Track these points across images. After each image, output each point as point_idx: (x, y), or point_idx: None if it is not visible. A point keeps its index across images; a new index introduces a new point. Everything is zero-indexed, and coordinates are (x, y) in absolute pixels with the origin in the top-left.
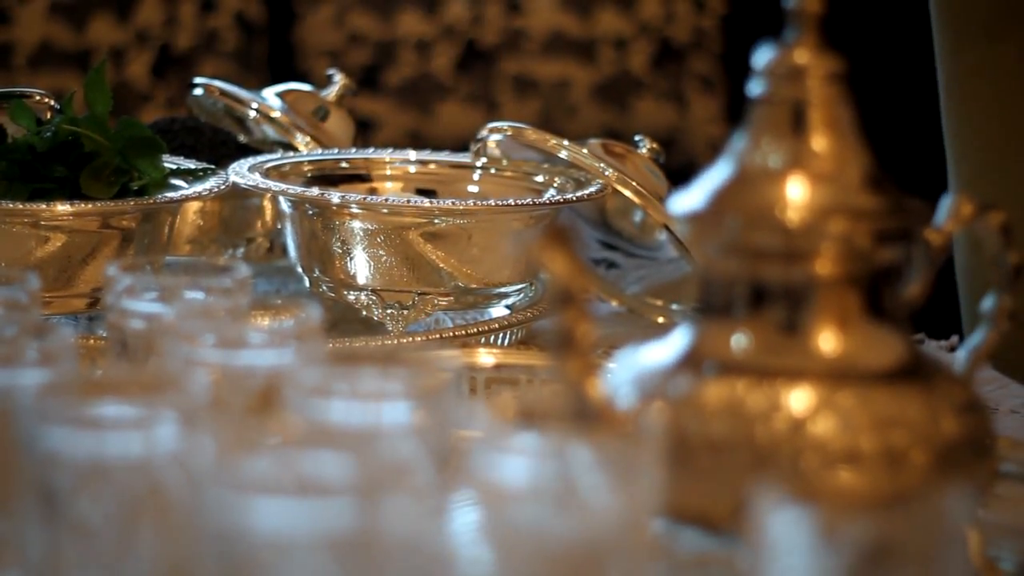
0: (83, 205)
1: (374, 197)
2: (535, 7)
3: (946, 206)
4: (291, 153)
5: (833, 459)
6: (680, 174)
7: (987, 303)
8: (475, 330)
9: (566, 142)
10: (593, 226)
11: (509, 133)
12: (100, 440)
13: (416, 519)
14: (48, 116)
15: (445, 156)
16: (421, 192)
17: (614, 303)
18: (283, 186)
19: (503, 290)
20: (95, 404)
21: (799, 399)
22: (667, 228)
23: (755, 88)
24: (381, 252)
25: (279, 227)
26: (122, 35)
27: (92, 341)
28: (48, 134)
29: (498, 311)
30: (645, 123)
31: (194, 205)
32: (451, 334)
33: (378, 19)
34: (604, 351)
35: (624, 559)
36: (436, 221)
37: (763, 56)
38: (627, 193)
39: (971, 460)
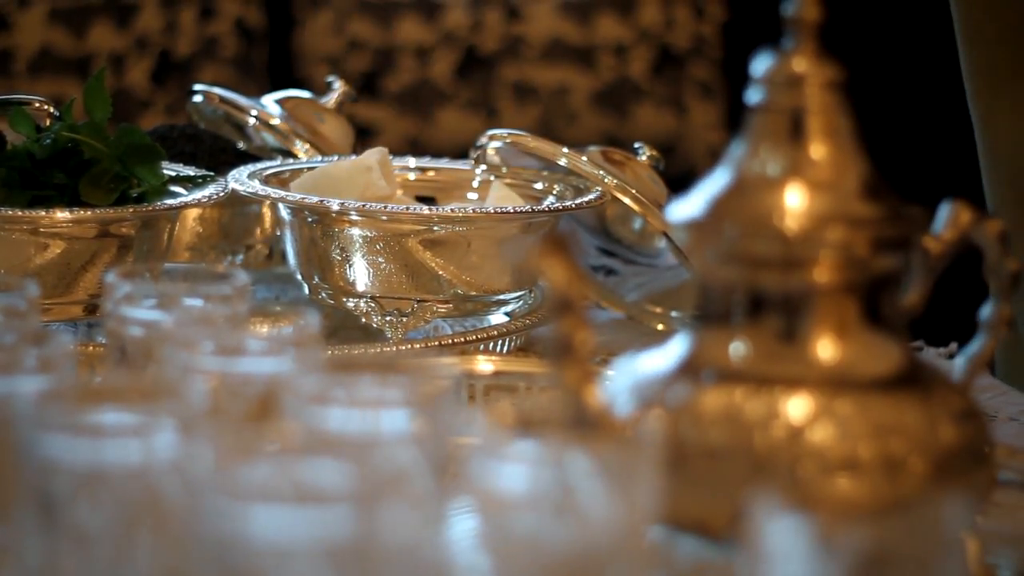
0: (82, 212)
1: (373, 204)
2: (535, 14)
3: (944, 214)
4: (290, 160)
5: (831, 467)
6: (680, 181)
7: (985, 311)
8: (474, 337)
9: (565, 149)
10: (593, 233)
11: (509, 140)
12: (99, 447)
13: (414, 527)
14: (47, 123)
15: (444, 163)
16: (420, 199)
17: (613, 310)
18: (282, 193)
19: (502, 297)
20: (94, 411)
21: (797, 407)
22: (666, 235)
23: (754, 96)
24: (380, 259)
25: (278, 234)
26: (122, 42)
27: (91, 348)
28: (47, 141)
29: (497, 318)
30: (644, 130)
31: (193, 212)
32: (450, 341)
33: (378, 25)
34: (603, 358)
35: (622, 567)
36: (435, 228)
37: (761, 64)
38: (626, 200)
39: (969, 468)
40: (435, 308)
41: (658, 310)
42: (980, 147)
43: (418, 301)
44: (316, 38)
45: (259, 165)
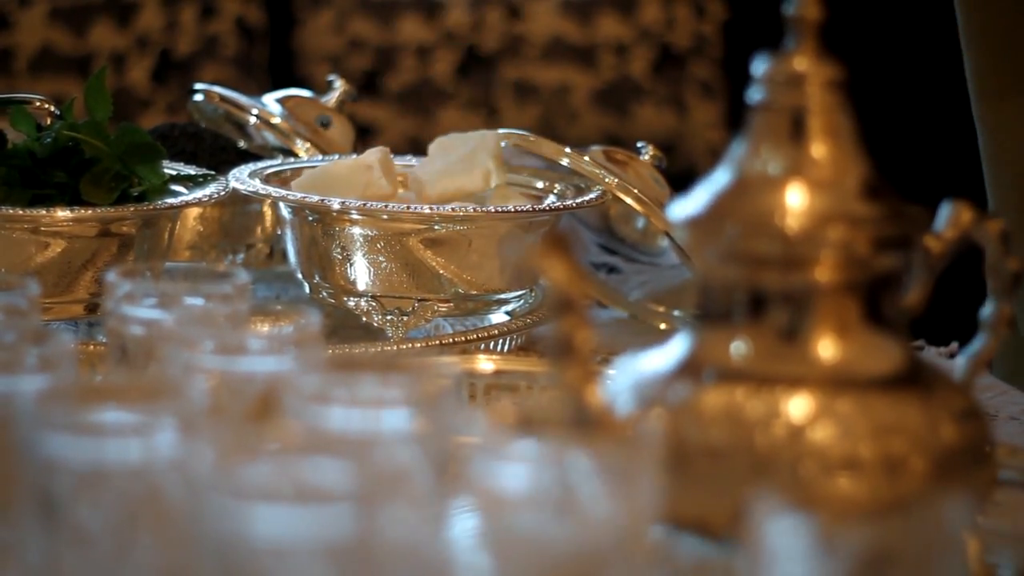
0: (83, 211)
1: (374, 203)
2: (535, 13)
3: (945, 213)
4: (291, 159)
5: (832, 466)
6: (680, 180)
7: (986, 310)
8: (475, 336)
9: (567, 149)
10: (596, 231)
11: (509, 140)
12: (99, 446)
13: (415, 526)
14: (48, 122)
15: None
16: None
17: (615, 309)
18: (283, 192)
19: (503, 296)
20: (94, 410)
21: (798, 406)
22: (668, 235)
23: (755, 95)
24: (381, 258)
25: (279, 233)
26: (122, 40)
27: (92, 347)
28: (48, 140)
29: (498, 317)
30: (645, 129)
31: (194, 211)
32: (451, 340)
33: (378, 24)
34: (603, 357)
35: (623, 566)
36: (436, 227)
37: (762, 63)
38: (628, 200)
39: (970, 467)
40: (436, 307)
41: (660, 309)
42: (983, 150)
43: (419, 300)
44: (317, 37)
45: (260, 164)
